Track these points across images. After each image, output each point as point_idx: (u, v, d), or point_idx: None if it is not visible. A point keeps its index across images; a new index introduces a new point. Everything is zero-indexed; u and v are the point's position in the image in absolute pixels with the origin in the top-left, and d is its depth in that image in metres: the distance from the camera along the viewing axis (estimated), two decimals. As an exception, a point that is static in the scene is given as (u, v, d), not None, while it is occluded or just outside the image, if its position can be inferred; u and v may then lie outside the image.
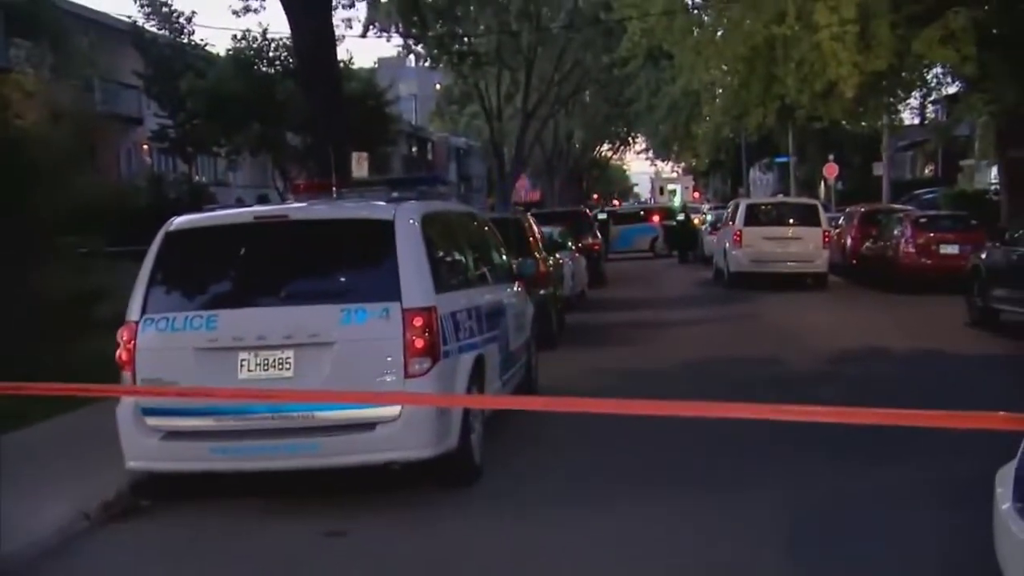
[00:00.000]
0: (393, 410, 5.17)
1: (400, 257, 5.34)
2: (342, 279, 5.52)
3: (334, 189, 6.46)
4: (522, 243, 10.87)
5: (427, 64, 37.43)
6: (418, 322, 5.23)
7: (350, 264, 5.56)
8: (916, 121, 33.56)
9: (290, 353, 5.22)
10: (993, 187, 27.43)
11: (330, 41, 15.19)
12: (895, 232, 17.14)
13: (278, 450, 5.16)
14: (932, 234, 16.46)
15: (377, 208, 5.73)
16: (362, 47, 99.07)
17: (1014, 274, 10.90)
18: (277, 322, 5.22)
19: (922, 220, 17.06)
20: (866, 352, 10.41)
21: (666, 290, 19.18)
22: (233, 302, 5.41)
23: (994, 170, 31.60)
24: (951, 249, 16.06)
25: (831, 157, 33.52)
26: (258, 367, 5.21)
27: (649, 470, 6.11)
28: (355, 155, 16.50)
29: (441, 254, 6.01)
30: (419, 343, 5.23)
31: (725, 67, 21.91)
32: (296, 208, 5.86)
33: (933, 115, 35.77)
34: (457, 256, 6.42)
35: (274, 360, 5.20)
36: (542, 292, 10.84)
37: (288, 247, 5.56)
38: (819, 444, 6.11)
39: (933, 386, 8.48)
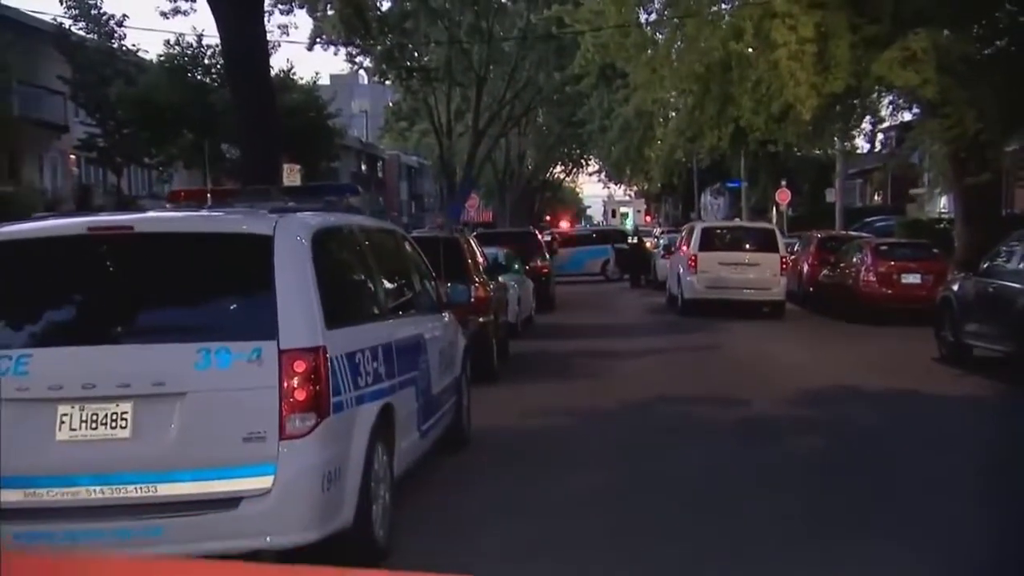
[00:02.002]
0: (264, 481, 3.94)
1: (279, 283, 4.16)
2: (201, 310, 4.30)
3: (208, 196, 5.19)
4: (458, 266, 9.79)
5: (377, 79, 36.63)
6: (300, 366, 4.07)
7: (213, 291, 4.33)
8: (866, 148, 33.36)
9: (127, 407, 3.98)
10: (945, 216, 27.10)
11: (261, 45, 14.28)
12: (854, 260, 16.51)
13: (107, 535, 3.87)
14: (893, 263, 15.78)
15: (253, 220, 4.53)
16: (315, 64, 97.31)
17: (989, 308, 10.03)
18: (111, 366, 4.02)
19: (883, 248, 16.37)
20: (837, 392, 9.47)
21: (618, 316, 18.33)
22: (52, 338, 4.17)
23: (944, 199, 31.45)
24: (913, 279, 15.38)
25: (783, 183, 33.09)
26: (84, 425, 3.96)
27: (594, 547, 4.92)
28: (287, 167, 15.55)
29: (339, 279, 4.84)
30: (300, 394, 4.07)
31: (680, 86, 21.22)
32: (145, 218, 4.58)
33: (882, 143, 35.63)
34: (363, 282, 5.22)
35: (106, 416, 3.97)
36: (481, 320, 9.87)
37: (131, 268, 4.33)
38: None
39: (917, 433, 7.53)
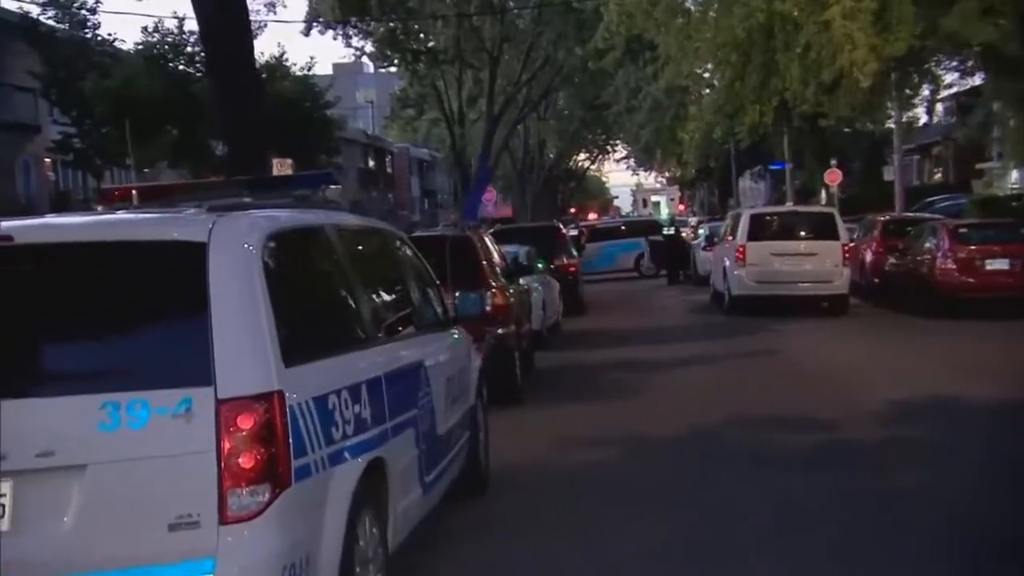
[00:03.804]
0: None
1: (216, 307, 3.32)
2: (107, 349, 3.43)
3: (133, 194, 4.30)
4: (471, 269, 8.99)
5: (384, 67, 35.96)
6: (246, 421, 3.23)
7: (124, 322, 3.46)
8: (924, 120, 32.31)
9: (4, 488, 3.12)
10: (1019, 191, 25.99)
11: (243, 24, 13.62)
12: (927, 245, 15.59)
13: None
14: (974, 247, 14.84)
15: (181, 223, 3.67)
16: (315, 51, 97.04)
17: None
18: None
19: (961, 230, 15.44)
20: (934, 404, 8.57)
21: (657, 318, 17.60)
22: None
23: (1016, 173, 30.26)
24: (999, 264, 14.46)
25: (833, 162, 32.03)
26: (-54, 512, 3.08)
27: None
28: (276, 161, 14.93)
29: (304, 298, 3.96)
30: (248, 459, 3.23)
31: (717, 56, 20.31)
32: (30, 225, 3.68)
33: (943, 114, 34.56)
34: (339, 299, 4.33)
35: (-24, 500, 3.09)
36: (500, 331, 9.21)
37: (10, 292, 3.45)
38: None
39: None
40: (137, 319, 3.42)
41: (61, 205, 22.73)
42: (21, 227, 3.55)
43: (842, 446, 7.18)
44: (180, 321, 3.39)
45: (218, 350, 3.25)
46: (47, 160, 26.26)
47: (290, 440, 3.32)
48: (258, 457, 3.22)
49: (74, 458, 3.16)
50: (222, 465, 3.18)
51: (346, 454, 3.73)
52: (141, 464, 3.17)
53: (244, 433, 3.21)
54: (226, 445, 3.19)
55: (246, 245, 3.54)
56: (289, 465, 3.31)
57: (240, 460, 3.20)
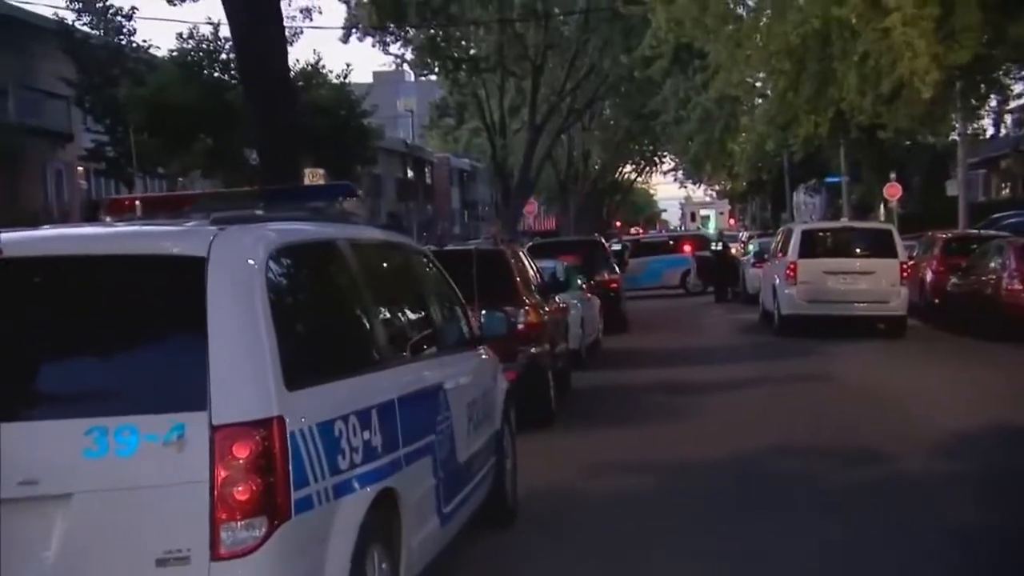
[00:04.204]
0: None
1: (213, 325, 3.23)
2: (95, 370, 3.35)
3: (137, 204, 4.23)
4: (501, 286, 8.81)
5: (424, 75, 36.16)
6: (242, 449, 3.14)
7: (114, 341, 3.37)
8: (991, 132, 31.62)
9: None
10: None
11: (276, 29, 13.78)
12: (993, 264, 15.23)
13: None
14: (1046, 266, 14.35)
15: (181, 237, 3.60)
16: (354, 59, 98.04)
17: None
18: None
19: (1030, 248, 14.91)
20: (997, 437, 8.31)
21: (703, 338, 17.43)
22: None
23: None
24: (1071, 285, 13.94)
25: (892, 176, 31.50)
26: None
27: None
28: (308, 172, 15.00)
29: (311, 317, 3.87)
30: (243, 491, 3.13)
31: (770, 64, 20.11)
32: (19, 237, 3.60)
33: (1012, 125, 33.82)
34: (351, 317, 4.22)
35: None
36: (533, 351, 9.04)
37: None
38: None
39: None
40: (128, 338, 3.34)
41: (92, 214, 23.04)
42: (10, 239, 3.48)
43: (898, 481, 6.92)
44: (174, 340, 3.30)
45: (214, 372, 3.16)
46: (80, 168, 26.70)
47: (290, 469, 3.21)
48: (255, 488, 3.12)
49: (58, 487, 3.07)
50: (215, 496, 3.08)
51: (353, 484, 3.61)
52: (129, 494, 3.08)
53: (240, 462, 3.11)
54: (220, 475, 3.09)
55: (249, 260, 3.45)
56: (289, 496, 3.20)
57: (235, 491, 3.10)
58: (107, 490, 3.07)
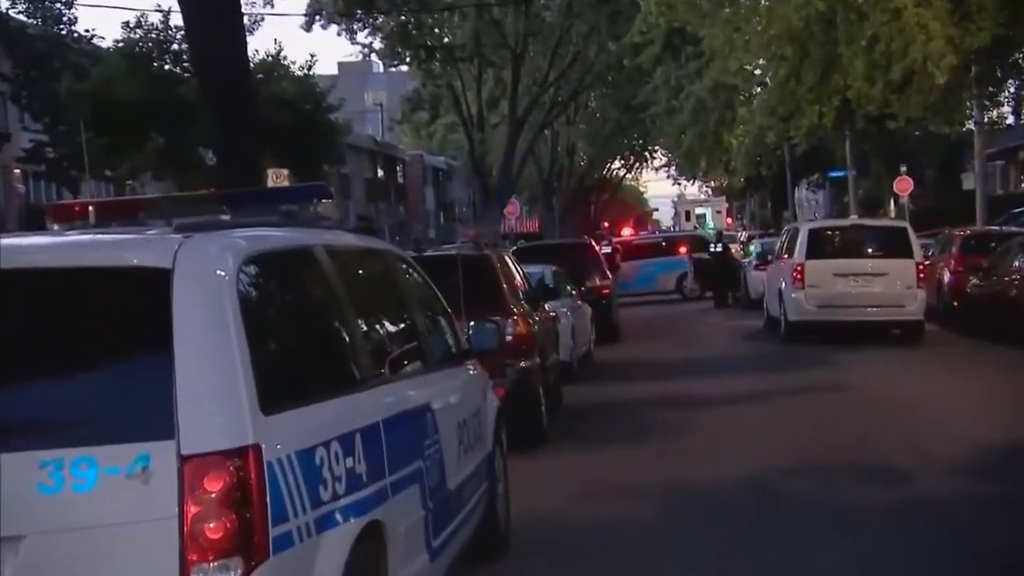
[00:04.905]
0: None
1: (180, 344, 3.20)
2: (49, 395, 3.28)
3: (90, 209, 4.17)
4: (488, 294, 8.87)
5: (394, 66, 36.13)
6: (214, 483, 3.10)
7: (70, 362, 3.31)
8: (1010, 120, 31.92)
9: None
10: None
11: (233, 15, 13.71)
12: (1016, 263, 15.33)
13: None
14: (1073, 265, 14.51)
15: (143, 246, 3.56)
16: (318, 49, 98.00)
17: None
18: None
19: (1057, 246, 15.11)
20: None
21: (703, 347, 17.48)
22: None
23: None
24: (1101, 286, 14.09)
25: (903, 169, 31.75)
26: None
27: None
28: (271, 172, 15.02)
29: (287, 333, 3.84)
30: (216, 529, 3.08)
31: (770, 50, 20.26)
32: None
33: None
34: (330, 332, 4.20)
35: None
36: (523, 365, 9.15)
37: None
38: None
39: None
40: (85, 360, 3.29)
41: (34, 221, 22.89)
42: None
43: (918, 502, 6.95)
44: (137, 362, 3.26)
45: (182, 396, 3.12)
46: (16, 171, 26.50)
47: (268, 503, 3.17)
48: (229, 525, 3.07)
49: (9, 527, 3.01)
50: (185, 535, 3.04)
51: (337, 517, 3.58)
52: (88, 534, 3.03)
53: (212, 496, 3.07)
54: (190, 511, 3.05)
55: (218, 271, 3.42)
56: (266, 534, 3.16)
57: (207, 528, 3.05)
58: (63, 530, 3.02)
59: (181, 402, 3.10)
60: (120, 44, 25.08)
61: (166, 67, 24.87)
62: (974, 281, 16.70)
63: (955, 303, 17.60)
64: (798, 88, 20.38)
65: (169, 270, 3.28)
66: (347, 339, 4.23)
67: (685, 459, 8.52)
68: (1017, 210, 27.78)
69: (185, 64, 23.51)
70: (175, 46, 24.62)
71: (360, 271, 4.91)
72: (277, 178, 14.85)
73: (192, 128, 21.99)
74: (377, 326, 4.80)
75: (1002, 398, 10.97)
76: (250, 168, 13.14)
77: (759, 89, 30.85)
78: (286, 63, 27.45)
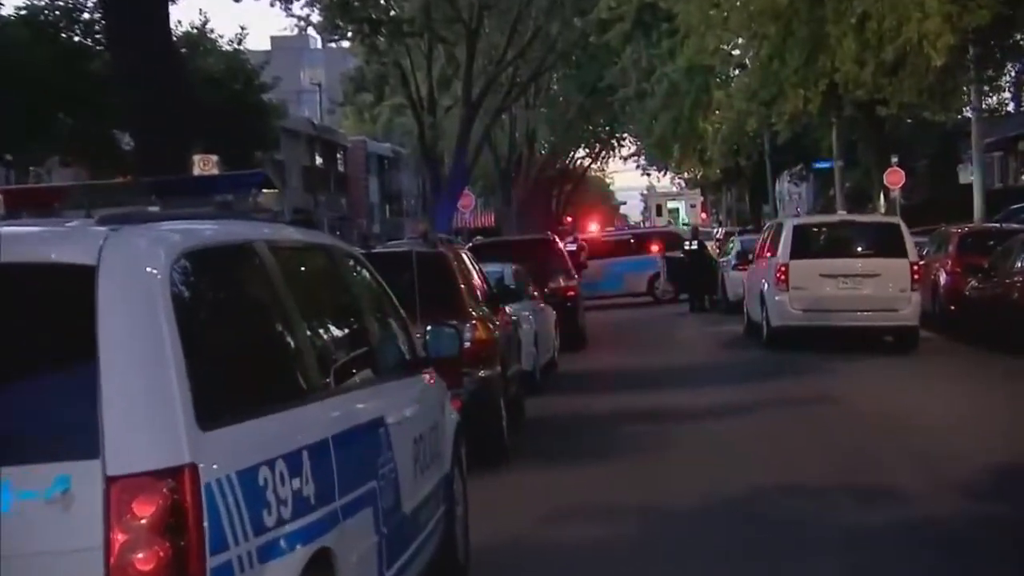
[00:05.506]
0: None
1: (105, 351, 3.19)
2: None
3: None
4: (445, 295, 9.07)
5: (334, 41, 35.97)
6: (144, 507, 3.09)
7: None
8: (1009, 107, 32.55)
9: None
10: None
11: None
12: (1019, 264, 15.60)
13: None
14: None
15: (65, 240, 3.54)
16: (247, 21, 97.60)
17: None
18: None
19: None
20: None
21: (677, 355, 17.69)
22: None
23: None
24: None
25: (894, 160, 32.21)
26: None
27: None
28: (198, 158, 14.89)
29: (226, 338, 3.85)
30: (147, 559, 3.07)
31: (751, 28, 20.51)
32: None
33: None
34: (273, 338, 4.21)
35: None
36: (482, 374, 9.36)
37: None
38: None
39: None
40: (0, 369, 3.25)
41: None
42: None
43: (916, 526, 7.06)
44: (57, 371, 3.23)
45: (108, 410, 3.10)
46: None
47: (205, 530, 3.17)
48: (161, 554, 3.06)
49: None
50: (111, 566, 3.02)
51: (282, 545, 3.59)
52: (2, 567, 3.00)
53: (142, 522, 3.06)
54: (117, 539, 3.03)
55: (149, 268, 3.41)
56: (203, 564, 3.15)
57: (136, 559, 3.04)
58: (-27, 562, 2.99)
59: (107, 416, 3.09)
60: (22, 12, 24.75)
61: (76, 39, 24.59)
62: (973, 283, 16.93)
63: (952, 307, 17.83)
64: (781, 70, 20.66)
65: (93, 267, 3.27)
66: (293, 345, 4.24)
67: (660, 478, 8.64)
68: (1017, 206, 28.32)
69: (98, 36, 23.29)
70: (86, 15, 24.40)
71: (306, 269, 4.93)
72: (205, 165, 14.76)
73: (106, 109, 21.77)
74: (325, 331, 4.82)
75: (1004, 411, 11.14)
76: (175, 154, 13.10)
77: (738, 71, 31.20)
78: (213, 36, 27.31)
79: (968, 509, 7.42)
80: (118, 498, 3.03)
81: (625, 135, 51.58)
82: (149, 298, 3.32)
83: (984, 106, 26.28)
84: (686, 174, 61.09)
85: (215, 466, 3.25)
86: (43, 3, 24.64)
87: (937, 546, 6.61)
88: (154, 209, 4.31)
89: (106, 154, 23.74)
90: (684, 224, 50.25)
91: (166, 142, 13.11)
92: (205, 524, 3.15)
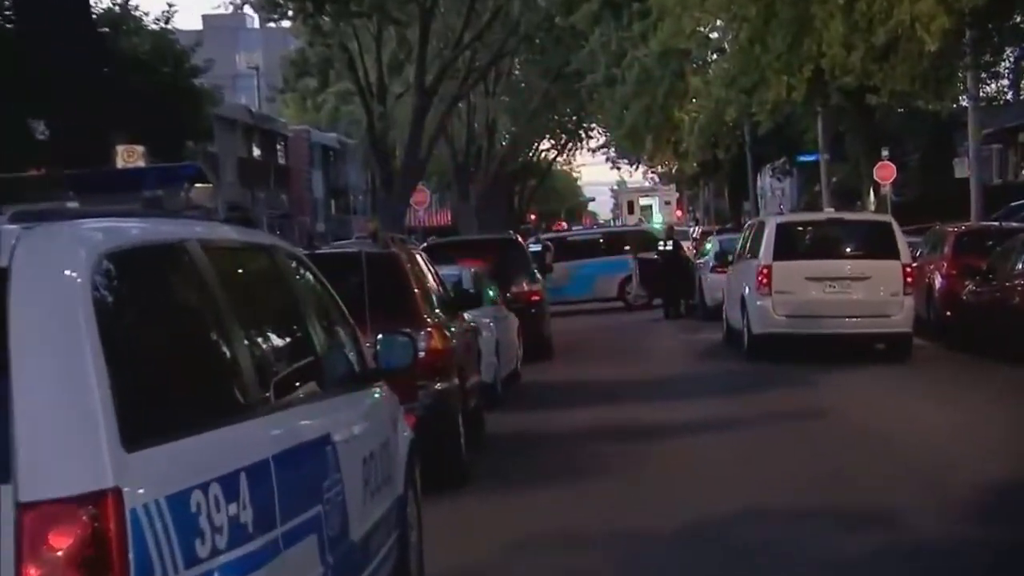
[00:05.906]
0: None
1: (18, 363, 3.19)
2: None
3: None
4: (397, 300, 9.14)
5: (273, 20, 35.88)
6: (61, 538, 3.08)
7: None
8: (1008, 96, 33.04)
9: None
10: None
11: None
12: (1019, 266, 15.80)
13: None
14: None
15: None
16: (183, 1, 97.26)
17: None
18: None
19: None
20: None
21: (651, 366, 17.82)
22: None
23: None
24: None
25: (885, 153, 32.65)
26: None
27: None
28: (122, 149, 15.02)
29: (154, 349, 3.86)
30: None
31: (731, 8, 20.66)
32: None
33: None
34: (206, 349, 4.24)
35: None
36: (438, 387, 9.45)
37: None
38: None
39: None
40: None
41: None
42: None
43: (911, 551, 7.16)
44: None
45: (21, 428, 3.08)
46: None
47: (131, 563, 3.15)
48: None
49: None
50: None
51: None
52: None
53: (59, 555, 3.04)
54: (31, 574, 3.02)
55: (67, 271, 3.40)
56: (128, 598, 3.17)
57: None
58: None
59: (20, 436, 3.07)
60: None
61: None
62: (970, 287, 17.10)
63: (948, 313, 18.03)
64: (763, 55, 20.80)
65: (5, 269, 3.27)
66: (229, 356, 4.24)
67: (631, 502, 8.74)
68: (1017, 202, 28.72)
69: (8, 13, 23.15)
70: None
71: (243, 272, 4.95)
72: (129, 156, 14.93)
73: (15, 93, 21.61)
74: (266, 340, 4.85)
75: (1005, 426, 11.28)
76: (96, 144, 13.16)
77: (716, 56, 31.47)
78: (137, 14, 27.24)
79: (960, 531, 7.52)
80: (32, 527, 3.02)
81: (593, 125, 51.94)
82: (67, 304, 3.31)
83: (981, 94, 26.65)
84: (660, 168, 61.62)
85: (141, 490, 3.24)
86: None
87: (925, 571, 6.73)
88: (73, 205, 4.30)
89: (16, 144, 23.56)
90: (657, 223, 50.46)
91: (87, 131, 13.15)
92: (130, 556, 3.14)
